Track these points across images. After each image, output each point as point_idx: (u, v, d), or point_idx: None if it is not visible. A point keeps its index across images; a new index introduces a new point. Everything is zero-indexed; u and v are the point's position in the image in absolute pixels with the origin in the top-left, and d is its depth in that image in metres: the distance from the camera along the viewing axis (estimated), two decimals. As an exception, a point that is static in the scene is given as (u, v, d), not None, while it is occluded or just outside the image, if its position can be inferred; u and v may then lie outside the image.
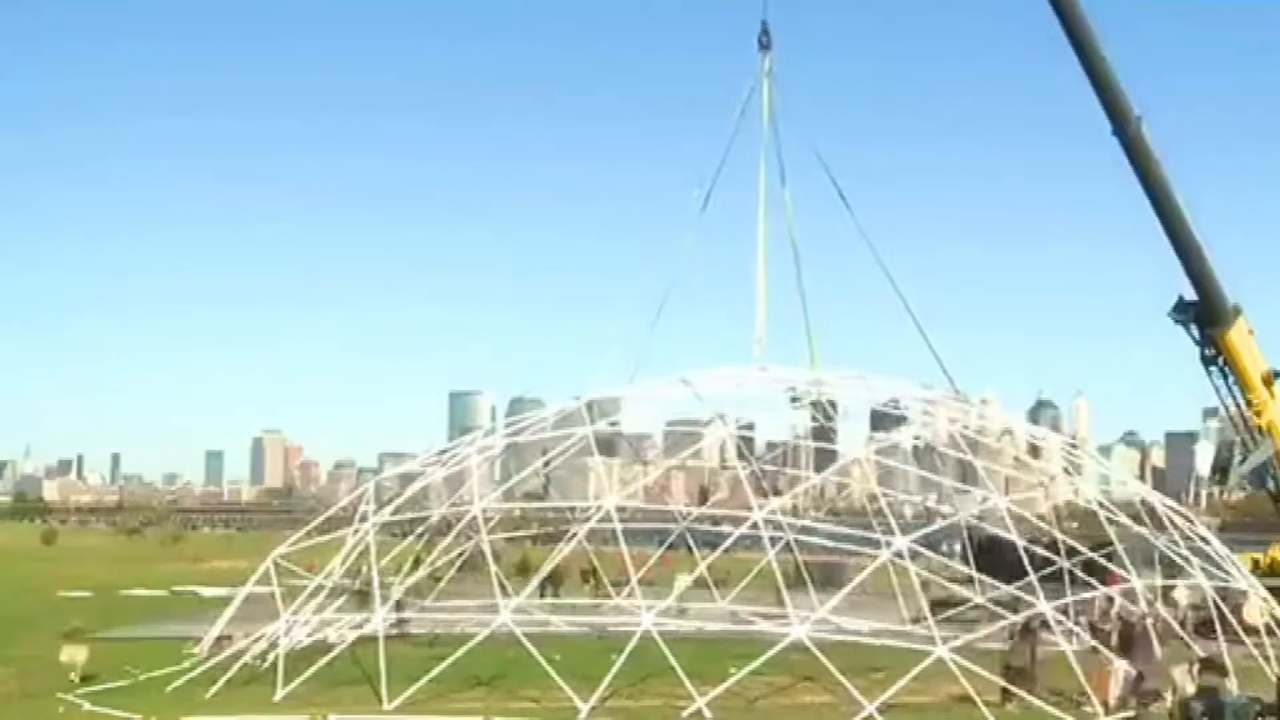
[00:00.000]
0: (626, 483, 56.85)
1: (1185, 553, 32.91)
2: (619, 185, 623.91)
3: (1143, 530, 33.34)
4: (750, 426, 53.05)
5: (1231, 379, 37.52)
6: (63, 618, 38.58)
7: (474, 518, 32.67)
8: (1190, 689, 25.00)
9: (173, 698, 27.82)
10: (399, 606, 34.68)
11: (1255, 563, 46.97)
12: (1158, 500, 36.34)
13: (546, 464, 43.30)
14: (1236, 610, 38.72)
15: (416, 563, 38.58)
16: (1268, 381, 36.69)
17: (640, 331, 38.52)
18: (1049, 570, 34.06)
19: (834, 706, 26.68)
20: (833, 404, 38.69)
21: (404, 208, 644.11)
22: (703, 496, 57.74)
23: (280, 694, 27.36)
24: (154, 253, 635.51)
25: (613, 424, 37.06)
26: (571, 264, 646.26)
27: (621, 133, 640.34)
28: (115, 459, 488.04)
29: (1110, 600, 33.89)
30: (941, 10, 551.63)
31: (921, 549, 39.81)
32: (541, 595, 39.98)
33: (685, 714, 25.69)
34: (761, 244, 37.84)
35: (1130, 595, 33.48)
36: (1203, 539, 33.83)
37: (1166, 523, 33.89)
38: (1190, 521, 34.73)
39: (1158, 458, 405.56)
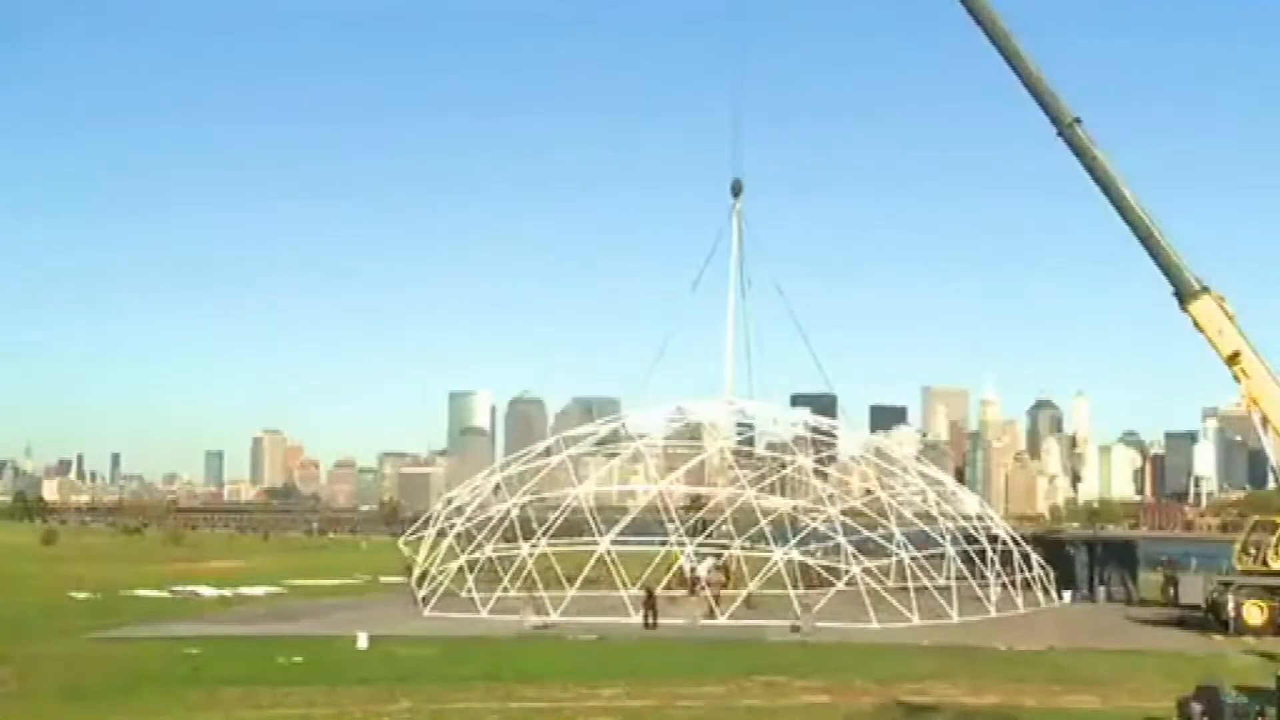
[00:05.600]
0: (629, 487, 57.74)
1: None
2: (619, 186, 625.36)
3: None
4: (751, 429, 53.80)
5: None
6: (65, 618, 38.66)
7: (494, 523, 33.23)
8: None
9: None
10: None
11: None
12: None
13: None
14: (1237, 609, 39.03)
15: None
16: (1232, 360, 38.18)
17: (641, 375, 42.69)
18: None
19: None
20: (832, 398, 39.42)
21: (404, 207, 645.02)
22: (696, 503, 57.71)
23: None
24: (154, 252, 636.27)
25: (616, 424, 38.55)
26: (572, 264, 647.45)
27: (622, 133, 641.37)
28: (115, 459, 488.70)
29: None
30: (931, 20, 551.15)
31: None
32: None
33: None
34: (730, 331, 52.75)
35: None
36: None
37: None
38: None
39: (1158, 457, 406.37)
